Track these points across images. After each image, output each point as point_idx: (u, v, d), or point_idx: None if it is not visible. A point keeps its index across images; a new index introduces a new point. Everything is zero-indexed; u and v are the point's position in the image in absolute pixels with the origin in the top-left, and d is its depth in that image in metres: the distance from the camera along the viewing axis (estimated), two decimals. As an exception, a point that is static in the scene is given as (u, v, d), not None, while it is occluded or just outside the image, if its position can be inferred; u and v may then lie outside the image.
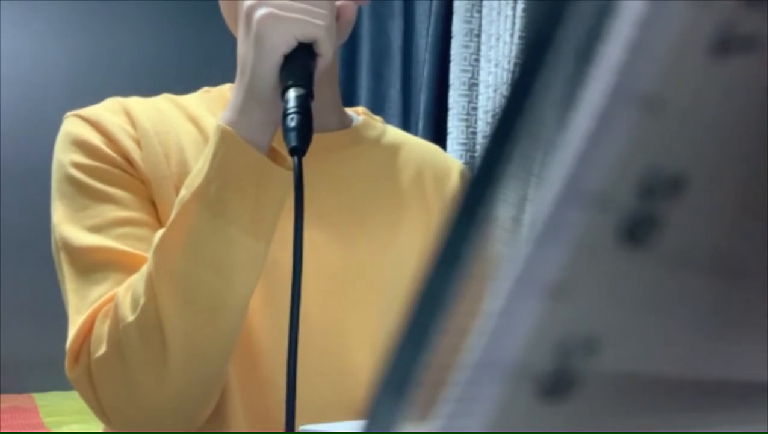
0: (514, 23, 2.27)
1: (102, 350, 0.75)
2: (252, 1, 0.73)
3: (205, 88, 0.96)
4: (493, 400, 0.21)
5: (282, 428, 0.80)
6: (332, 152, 0.90)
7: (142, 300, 0.73)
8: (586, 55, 0.20)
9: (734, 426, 0.25)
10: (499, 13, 2.32)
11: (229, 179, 0.73)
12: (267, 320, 0.82)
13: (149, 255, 0.75)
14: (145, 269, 0.75)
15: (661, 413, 0.23)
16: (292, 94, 0.71)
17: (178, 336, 0.73)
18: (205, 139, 0.88)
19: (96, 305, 0.77)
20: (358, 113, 1.00)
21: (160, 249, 0.73)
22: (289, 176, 0.71)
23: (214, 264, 0.73)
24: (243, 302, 0.76)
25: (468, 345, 0.21)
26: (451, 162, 1.01)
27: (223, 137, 0.73)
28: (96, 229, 0.81)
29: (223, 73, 1.00)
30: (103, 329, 0.75)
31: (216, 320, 0.75)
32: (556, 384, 0.21)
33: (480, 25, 2.39)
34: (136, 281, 0.75)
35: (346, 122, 0.96)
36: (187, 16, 3.58)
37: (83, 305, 0.78)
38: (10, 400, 3.15)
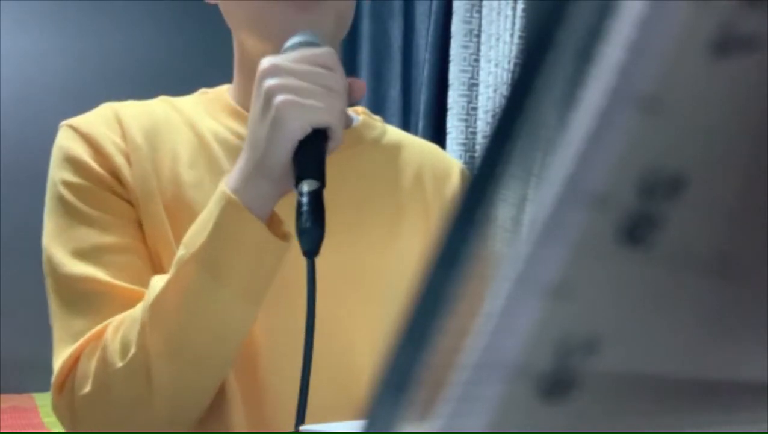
0: (514, 23, 2.27)
1: (87, 389, 0.77)
2: (273, 82, 0.74)
3: (203, 90, 0.96)
4: (493, 400, 0.21)
5: (279, 430, 0.80)
6: (332, 153, 0.90)
7: (132, 350, 0.75)
8: (586, 55, 0.20)
9: (734, 426, 0.25)
10: (499, 13, 2.32)
11: (229, 247, 0.75)
12: (267, 323, 0.82)
13: (143, 306, 0.76)
14: (138, 316, 0.76)
15: (661, 413, 0.23)
16: (306, 188, 0.73)
17: (166, 383, 0.76)
18: (201, 142, 0.88)
19: (81, 341, 0.79)
20: (358, 113, 1.00)
21: (157, 305, 0.75)
22: (287, 247, 0.75)
23: (208, 325, 0.76)
24: (231, 356, 0.79)
25: (468, 345, 0.21)
26: (450, 162, 1.01)
27: (228, 205, 0.74)
28: (79, 254, 0.82)
29: (222, 75, 1.00)
30: (89, 367, 0.78)
31: (204, 371, 0.78)
32: (556, 384, 0.21)
33: (480, 25, 2.39)
34: (127, 327, 0.77)
35: (346, 123, 0.96)
36: (187, 18, 3.58)
37: (67, 336, 0.80)
38: (10, 400, 3.14)
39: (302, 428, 0.61)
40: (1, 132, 3.47)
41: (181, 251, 0.76)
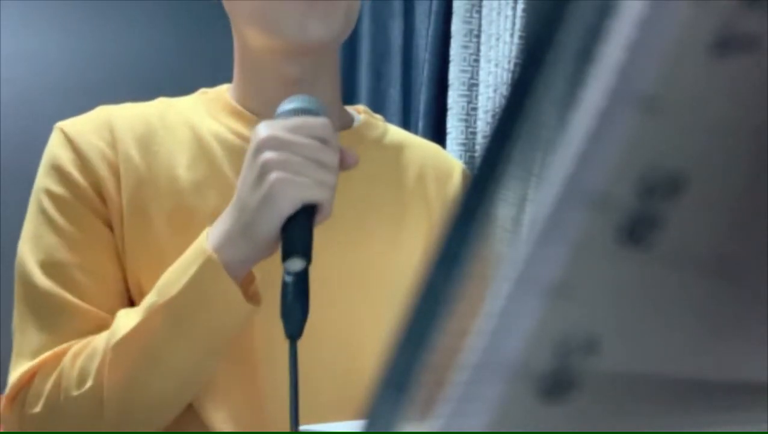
0: (514, 23, 2.27)
1: (38, 409, 0.79)
2: (270, 156, 0.74)
3: (203, 90, 0.95)
4: (493, 400, 0.21)
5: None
6: None
7: (89, 382, 0.77)
8: (586, 55, 0.20)
9: (734, 426, 0.25)
10: (499, 13, 2.32)
11: (201, 304, 0.76)
12: (267, 329, 0.82)
13: (106, 343, 0.77)
14: (99, 350, 0.77)
15: (661, 413, 0.23)
16: (293, 267, 0.74)
17: (115, 419, 0.78)
18: (201, 143, 0.87)
19: (39, 359, 0.81)
20: (359, 112, 0.99)
21: (120, 346, 0.76)
22: (256, 311, 0.77)
23: (168, 373, 0.78)
24: (186, 401, 0.80)
25: (468, 345, 0.21)
26: (452, 162, 1.01)
27: (207, 262, 0.75)
28: (47, 266, 0.83)
29: (223, 75, 0.99)
30: (42, 387, 0.79)
31: (156, 413, 0.79)
32: (556, 384, 0.21)
33: (480, 25, 2.39)
34: (87, 357, 0.78)
35: (346, 122, 0.95)
36: (188, 17, 3.58)
37: (25, 350, 0.82)
38: (10, 400, 3.14)
39: (302, 428, 0.62)
40: (1, 132, 3.47)
41: (153, 298, 0.77)
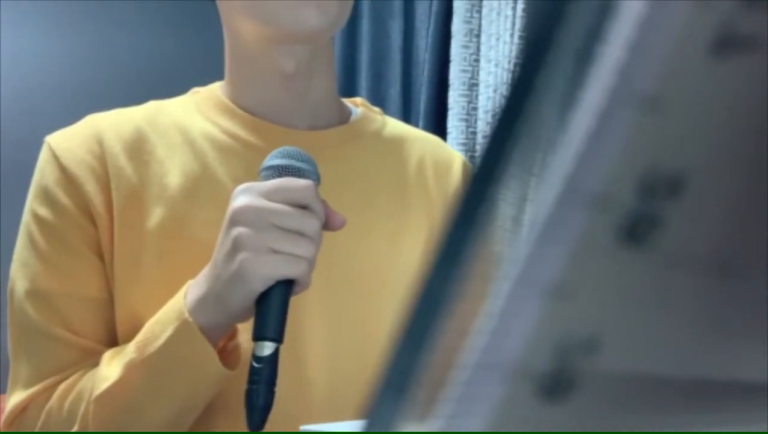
0: (514, 23, 2.27)
1: None
2: (242, 232, 0.72)
3: (194, 89, 0.94)
4: (493, 400, 0.21)
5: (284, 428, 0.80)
6: (331, 150, 0.89)
7: (75, 427, 0.79)
8: (586, 55, 0.20)
9: (734, 426, 0.25)
10: (499, 13, 2.32)
11: (178, 365, 0.76)
12: None
13: (90, 392, 0.78)
14: (84, 396, 0.78)
15: (661, 413, 0.23)
16: (261, 352, 0.71)
17: None
18: (193, 147, 0.86)
19: (29, 393, 0.82)
20: (356, 104, 0.98)
21: (101, 399, 0.77)
22: (232, 375, 0.76)
23: (149, 423, 0.78)
24: None
25: (468, 345, 0.21)
26: (452, 154, 1.00)
27: (183, 326, 0.75)
28: (33, 295, 0.83)
29: (222, 75, 0.99)
30: (35, 423, 0.82)
31: None
32: (556, 384, 0.21)
33: (480, 25, 2.39)
34: (73, 401, 0.79)
35: (344, 116, 0.94)
36: (187, 18, 3.58)
37: (18, 378, 0.84)
38: (10, 400, 3.14)
39: (302, 428, 0.61)
40: (1, 132, 3.47)
41: (132, 354, 0.77)
